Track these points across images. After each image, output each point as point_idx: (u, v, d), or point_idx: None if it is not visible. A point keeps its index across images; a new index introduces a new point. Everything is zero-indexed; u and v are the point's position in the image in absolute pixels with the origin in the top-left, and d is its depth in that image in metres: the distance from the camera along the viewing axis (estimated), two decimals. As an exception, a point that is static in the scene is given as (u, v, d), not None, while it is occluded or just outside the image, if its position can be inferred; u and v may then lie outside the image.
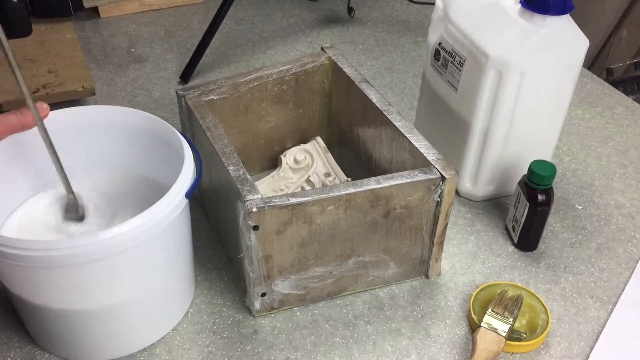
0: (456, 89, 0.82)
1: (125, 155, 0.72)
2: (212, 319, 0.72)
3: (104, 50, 1.19)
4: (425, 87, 0.91)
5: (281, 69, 0.82)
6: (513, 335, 0.69)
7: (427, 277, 0.77)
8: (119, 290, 0.62)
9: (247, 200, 0.62)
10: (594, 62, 1.83)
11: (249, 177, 0.65)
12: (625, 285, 0.77)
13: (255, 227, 0.63)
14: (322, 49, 0.86)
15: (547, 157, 0.85)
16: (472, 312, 0.71)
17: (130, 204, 0.69)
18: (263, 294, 0.70)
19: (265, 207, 0.62)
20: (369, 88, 0.79)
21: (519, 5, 0.76)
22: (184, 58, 1.14)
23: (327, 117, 0.90)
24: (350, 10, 1.29)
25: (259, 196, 0.63)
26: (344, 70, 0.83)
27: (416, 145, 0.71)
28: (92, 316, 0.63)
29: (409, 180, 0.67)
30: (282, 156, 0.88)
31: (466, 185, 0.88)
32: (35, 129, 0.66)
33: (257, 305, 0.71)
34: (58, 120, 0.66)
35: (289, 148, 0.89)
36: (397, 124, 0.74)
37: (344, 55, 0.86)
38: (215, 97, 0.78)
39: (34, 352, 0.68)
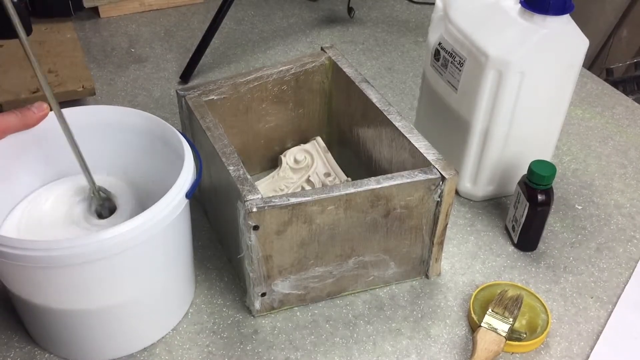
0: (456, 89, 0.82)
1: (125, 155, 0.71)
2: (212, 319, 0.72)
3: (104, 50, 1.19)
4: (425, 87, 0.91)
5: (281, 69, 0.82)
6: (513, 335, 0.69)
7: (427, 277, 0.77)
8: (119, 290, 0.62)
9: (247, 200, 0.62)
10: (594, 62, 1.83)
11: (249, 177, 0.65)
12: (625, 285, 0.77)
13: (255, 227, 0.63)
14: (322, 49, 0.86)
15: (547, 157, 0.85)
16: (472, 312, 0.71)
17: (130, 204, 0.69)
18: (263, 294, 0.70)
19: (265, 207, 0.62)
20: (369, 88, 0.80)
21: (519, 5, 0.76)
22: (184, 58, 1.14)
23: (327, 117, 0.90)
24: (350, 10, 1.29)
25: (259, 196, 0.63)
26: (344, 70, 0.83)
27: (416, 145, 0.71)
28: (92, 316, 0.63)
29: (409, 180, 0.67)
30: (282, 156, 0.88)
31: (466, 185, 0.88)
32: (35, 129, 0.66)
33: (257, 305, 0.71)
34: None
35: (289, 148, 0.89)
36: (397, 124, 0.74)
37: (344, 55, 0.86)
38: (215, 97, 0.78)
39: (34, 352, 0.68)
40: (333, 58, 0.84)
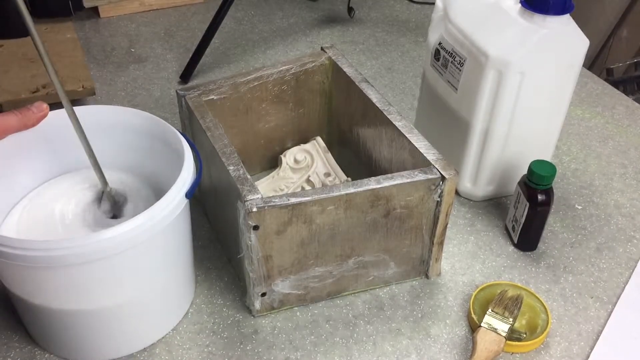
0: (456, 89, 0.82)
1: (125, 155, 0.71)
2: (212, 319, 0.72)
3: (104, 50, 1.19)
4: (425, 87, 0.91)
5: (281, 69, 0.82)
6: (513, 335, 0.69)
7: (427, 277, 0.77)
8: (119, 290, 0.62)
9: (247, 200, 0.62)
10: (594, 62, 1.83)
11: (249, 177, 0.65)
12: (625, 285, 0.77)
13: (255, 227, 0.63)
14: (322, 49, 0.86)
15: (547, 157, 0.85)
16: (472, 312, 0.71)
17: (130, 204, 0.69)
18: (263, 294, 0.70)
19: (265, 207, 0.62)
20: (369, 88, 0.80)
21: (519, 5, 0.76)
22: (184, 58, 1.14)
23: (327, 117, 0.90)
24: (350, 10, 1.29)
25: (259, 196, 0.63)
26: (344, 70, 0.83)
27: (416, 145, 0.71)
28: (92, 316, 0.63)
29: (409, 180, 0.67)
30: (282, 156, 0.88)
31: (466, 185, 0.88)
32: (35, 129, 0.66)
33: (257, 305, 0.71)
34: (58, 120, 0.66)
35: (289, 148, 0.89)
36: (397, 124, 0.74)
37: (344, 55, 0.86)
38: (215, 97, 0.78)
39: (34, 352, 0.68)
40: (333, 58, 0.84)
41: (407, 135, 0.73)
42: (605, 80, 1.24)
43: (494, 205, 0.88)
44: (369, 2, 1.39)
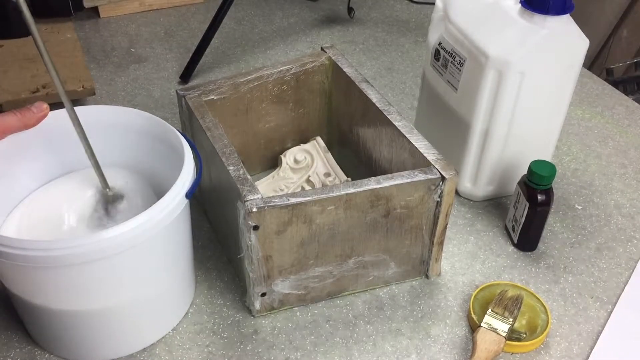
0: (456, 89, 0.82)
1: (125, 156, 0.72)
2: (212, 319, 0.72)
3: (104, 50, 1.19)
4: (425, 87, 0.91)
5: (281, 69, 0.82)
6: (513, 335, 0.69)
7: (427, 277, 0.77)
8: (119, 291, 0.62)
9: (247, 200, 0.62)
10: (594, 62, 1.83)
11: (249, 177, 0.65)
12: (625, 285, 0.77)
13: (255, 227, 0.63)
14: (322, 49, 0.86)
15: (547, 157, 0.85)
16: (472, 312, 0.71)
17: (130, 204, 0.69)
18: (263, 294, 0.70)
19: (265, 207, 0.62)
20: (369, 88, 0.80)
21: (519, 5, 0.76)
22: (184, 58, 1.14)
23: (327, 117, 0.90)
24: (350, 10, 1.29)
25: (259, 196, 0.63)
26: (344, 70, 0.83)
27: (416, 145, 0.71)
28: (92, 316, 0.63)
29: (409, 180, 0.67)
30: (282, 156, 0.88)
31: (466, 185, 0.88)
32: (36, 129, 0.66)
33: (257, 305, 0.71)
34: (58, 120, 0.66)
35: (289, 148, 0.89)
36: (397, 124, 0.74)
37: (344, 55, 0.86)
38: (215, 97, 0.78)
39: (34, 352, 0.68)
40: (333, 58, 0.84)
41: (407, 135, 0.73)
42: (605, 80, 1.24)
43: (494, 205, 0.88)
44: (369, 2, 1.39)
